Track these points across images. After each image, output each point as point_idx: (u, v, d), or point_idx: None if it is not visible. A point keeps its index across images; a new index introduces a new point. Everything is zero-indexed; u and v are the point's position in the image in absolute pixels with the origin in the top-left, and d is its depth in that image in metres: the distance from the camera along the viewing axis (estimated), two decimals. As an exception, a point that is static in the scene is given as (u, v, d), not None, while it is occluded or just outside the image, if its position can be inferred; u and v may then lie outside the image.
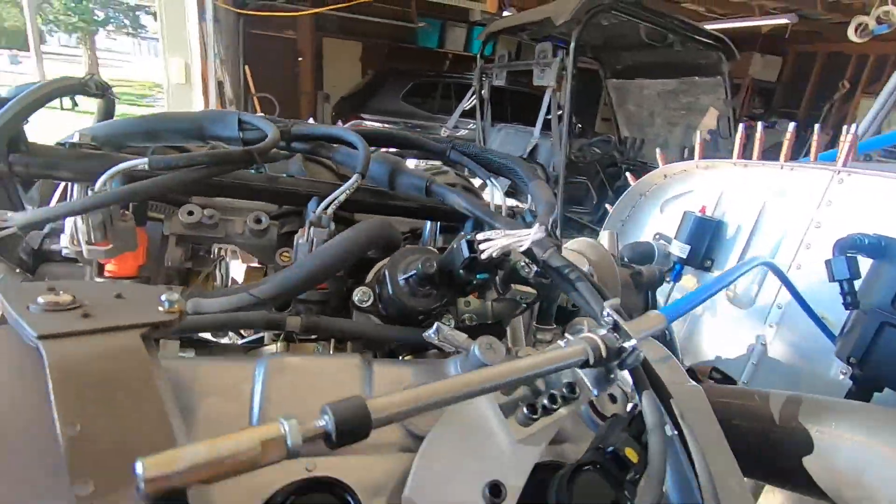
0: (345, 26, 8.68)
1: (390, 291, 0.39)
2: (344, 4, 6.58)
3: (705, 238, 1.20)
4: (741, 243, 1.17)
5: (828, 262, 0.82)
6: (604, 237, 0.88)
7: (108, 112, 0.47)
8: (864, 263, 0.81)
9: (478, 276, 0.39)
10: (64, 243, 0.40)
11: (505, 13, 6.46)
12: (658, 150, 1.45)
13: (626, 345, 0.31)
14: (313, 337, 0.45)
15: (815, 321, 0.77)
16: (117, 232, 0.36)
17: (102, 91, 0.45)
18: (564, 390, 0.33)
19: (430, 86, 7.40)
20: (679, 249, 1.21)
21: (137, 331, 0.24)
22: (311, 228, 0.41)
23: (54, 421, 0.19)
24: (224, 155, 0.38)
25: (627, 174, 1.56)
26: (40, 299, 0.25)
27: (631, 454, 0.30)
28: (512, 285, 0.43)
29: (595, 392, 0.34)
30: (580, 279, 0.37)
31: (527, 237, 0.36)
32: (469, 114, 5.64)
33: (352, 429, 0.21)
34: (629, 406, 0.40)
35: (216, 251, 0.47)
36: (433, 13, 8.69)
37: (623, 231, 1.52)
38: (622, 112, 5.63)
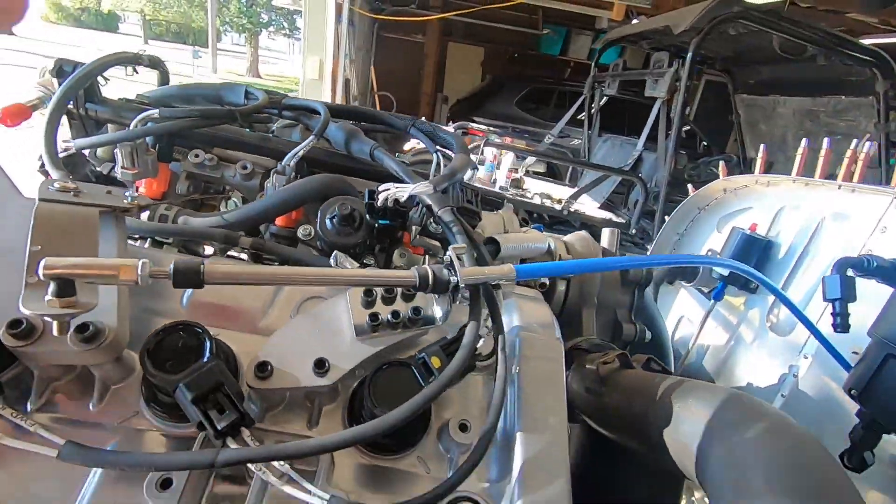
0: (470, 32, 8.97)
1: (319, 229, 0.50)
2: (471, 10, 6.83)
3: (752, 257, 1.12)
4: (790, 266, 1.08)
5: (823, 280, 0.75)
6: (605, 235, 0.89)
7: (163, 80, 0.65)
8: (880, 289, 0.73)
9: (380, 220, 0.48)
10: (117, 170, 0.56)
11: (634, 21, 6.22)
12: (721, 164, 1.37)
13: (453, 279, 0.38)
14: (276, 263, 0.57)
15: (818, 339, 0.72)
16: (142, 161, 0.52)
17: (155, 64, 0.62)
18: (410, 312, 0.41)
19: (545, 92, 7.35)
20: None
21: (98, 208, 0.38)
22: (275, 175, 0.53)
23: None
24: (211, 111, 0.52)
25: (689, 186, 1.49)
26: (56, 184, 0.40)
27: (435, 361, 0.37)
28: (419, 236, 0.51)
29: (440, 320, 0.42)
30: (460, 232, 0.44)
31: (407, 189, 0.44)
32: (581, 122, 5.54)
33: (185, 278, 0.32)
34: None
35: (223, 189, 0.62)
36: (559, 21, 8.63)
37: (679, 245, 1.45)
38: (751, 131, 5.09)
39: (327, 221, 0.50)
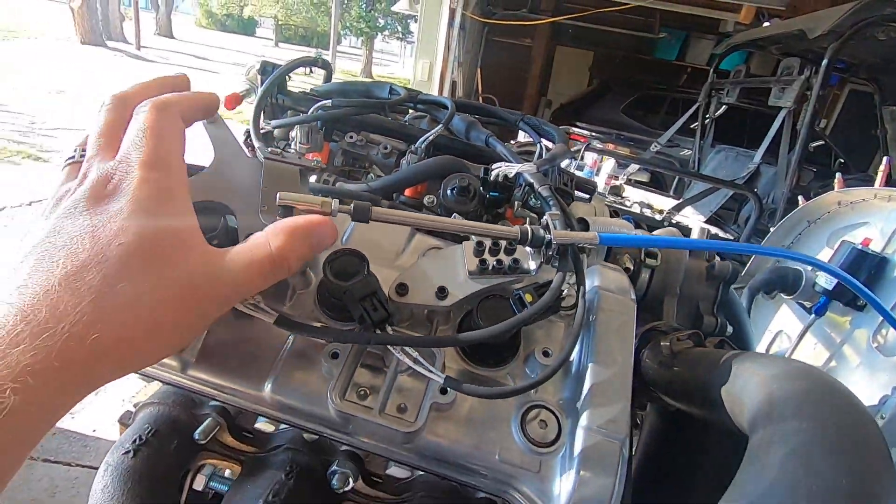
0: (580, 36, 8.78)
1: (442, 198, 0.63)
2: (583, 13, 6.74)
3: (861, 273, 1.06)
4: (904, 285, 1.01)
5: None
6: (695, 232, 0.93)
7: (328, 77, 0.83)
8: None
9: (491, 193, 0.60)
10: (293, 146, 0.74)
11: (765, 24, 5.74)
12: (838, 175, 1.30)
13: (547, 237, 0.49)
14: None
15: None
16: (313, 139, 0.68)
17: (325, 66, 0.80)
18: (510, 262, 0.52)
19: (656, 99, 7.01)
20: (826, 281, 1.10)
21: (297, 167, 0.53)
22: (408, 154, 0.67)
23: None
24: (369, 102, 0.68)
25: (800, 198, 1.42)
26: (269, 150, 0.57)
27: (528, 297, 0.48)
28: (521, 208, 0.61)
29: (533, 272, 0.53)
30: (556, 205, 0.54)
31: (515, 167, 0.55)
32: (693, 132, 5.25)
33: (360, 214, 0.46)
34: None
35: (365, 165, 0.78)
36: (677, 24, 8.17)
37: (783, 258, 1.40)
38: (899, 149, 4.48)
39: (448, 192, 0.62)
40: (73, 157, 0.38)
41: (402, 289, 0.49)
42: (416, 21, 5.91)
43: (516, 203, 0.62)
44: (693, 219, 4.04)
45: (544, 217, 0.51)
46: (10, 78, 9.12)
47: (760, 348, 1.05)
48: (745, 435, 0.57)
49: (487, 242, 0.53)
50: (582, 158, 3.88)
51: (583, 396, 0.47)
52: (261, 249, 0.37)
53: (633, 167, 4.37)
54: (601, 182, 3.76)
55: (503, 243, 0.53)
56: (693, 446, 0.77)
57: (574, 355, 0.52)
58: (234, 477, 0.61)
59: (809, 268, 1.21)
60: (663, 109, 6.96)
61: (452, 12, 5.23)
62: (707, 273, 0.87)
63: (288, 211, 0.46)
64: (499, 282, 0.52)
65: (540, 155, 0.68)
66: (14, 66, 10.30)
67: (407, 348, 0.45)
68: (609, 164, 3.96)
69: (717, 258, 0.89)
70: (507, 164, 0.57)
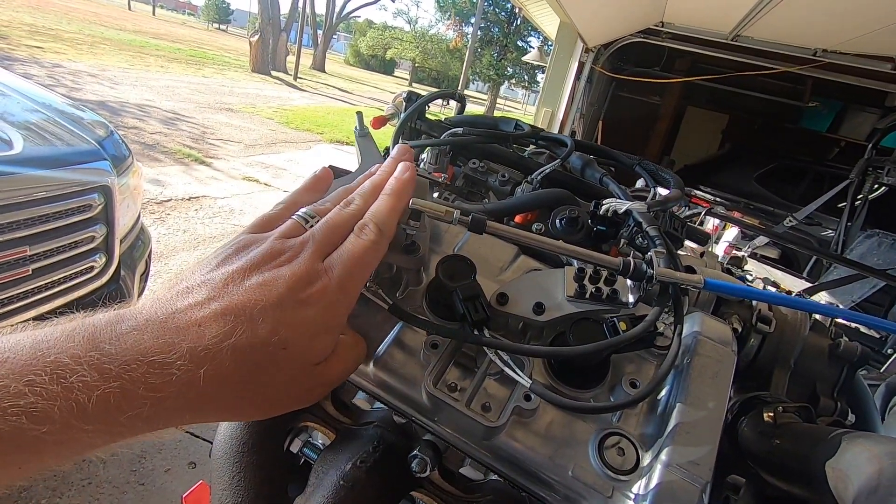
0: (716, 98, 8.35)
1: (550, 226, 0.67)
2: (723, 76, 6.43)
3: None
4: None
5: None
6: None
7: (460, 109, 0.92)
8: None
9: (598, 227, 0.62)
10: (422, 165, 0.83)
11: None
12: None
13: (649, 272, 0.51)
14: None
15: None
16: (441, 161, 0.77)
17: (461, 99, 0.89)
18: (609, 290, 0.55)
19: (796, 171, 6.39)
20: None
21: (427, 179, 0.60)
22: (523, 184, 0.72)
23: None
24: (496, 133, 0.74)
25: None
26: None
27: (622, 325, 0.50)
28: (626, 245, 0.63)
29: (630, 305, 0.54)
30: (662, 245, 0.56)
31: (625, 204, 0.57)
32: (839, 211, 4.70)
33: (476, 225, 0.51)
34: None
35: (483, 190, 0.84)
36: (833, 93, 7.44)
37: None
38: None
39: (557, 221, 0.66)
40: (305, 218, 0.44)
41: (502, 298, 0.54)
42: (543, 71, 6.11)
43: (622, 240, 0.63)
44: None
45: (649, 253, 0.52)
46: (194, 98, 10.97)
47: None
48: None
49: (589, 270, 0.55)
50: (702, 224, 3.64)
51: (666, 433, 0.47)
52: (346, 357, 0.47)
53: (761, 240, 3.98)
54: (720, 250, 3.49)
55: (604, 273, 0.55)
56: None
57: (663, 395, 0.52)
58: (324, 445, 0.68)
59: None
60: (804, 183, 6.30)
61: (581, 66, 5.33)
62: (830, 352, 0.79)
63: (416, 214, 0.52)
64: (595, 308, 0.54)
65: (654, 199, 0.69)
66: (199, 88, 12.39)
67: (500, 352, 0.49)
68: (732, 232, 3.68)
69: (845, 338, 0.81)
70: (617, 200, 0.60)
